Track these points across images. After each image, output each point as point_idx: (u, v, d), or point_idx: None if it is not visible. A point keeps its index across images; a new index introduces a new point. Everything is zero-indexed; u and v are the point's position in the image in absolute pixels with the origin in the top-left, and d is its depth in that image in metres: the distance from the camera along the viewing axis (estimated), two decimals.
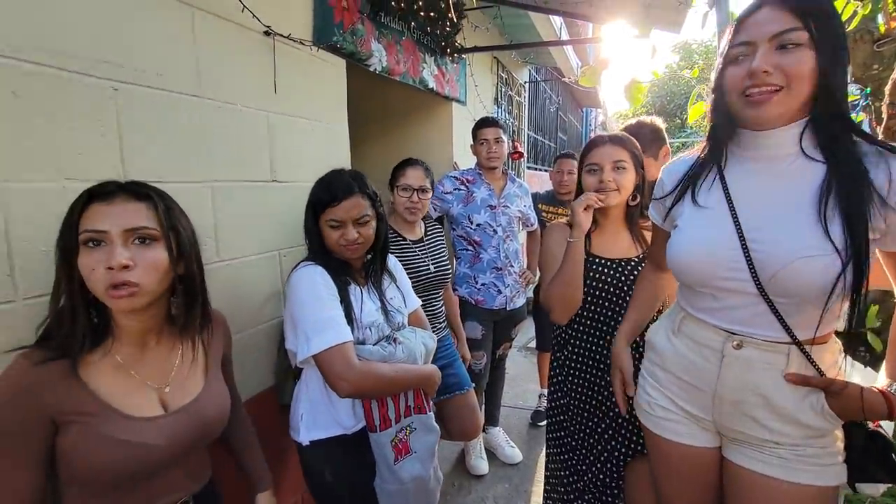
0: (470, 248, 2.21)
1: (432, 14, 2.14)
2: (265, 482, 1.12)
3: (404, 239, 1.79)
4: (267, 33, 1.35)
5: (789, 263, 0.79)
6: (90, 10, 0.93)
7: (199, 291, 0.88)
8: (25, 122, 0.84)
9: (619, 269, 1.34)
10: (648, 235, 1.29)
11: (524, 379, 3.34)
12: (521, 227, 2.47)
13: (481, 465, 2.32)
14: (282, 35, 1.38)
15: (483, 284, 2.21)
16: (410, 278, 1.72)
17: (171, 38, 1.10)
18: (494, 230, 2.19)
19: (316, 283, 1.14)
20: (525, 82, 4.57)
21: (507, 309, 2.26)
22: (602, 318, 1.36)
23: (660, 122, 1.67)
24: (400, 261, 1.72)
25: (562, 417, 1.45)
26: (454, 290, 2.18)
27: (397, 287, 1.36)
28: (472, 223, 2.18)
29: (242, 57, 1.29)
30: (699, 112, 1.69)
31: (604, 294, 1.34)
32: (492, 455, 2.42)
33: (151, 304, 0.80)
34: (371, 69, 1.88)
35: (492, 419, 2.51)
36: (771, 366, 0.85)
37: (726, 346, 0.89)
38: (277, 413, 1.44)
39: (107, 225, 0.74)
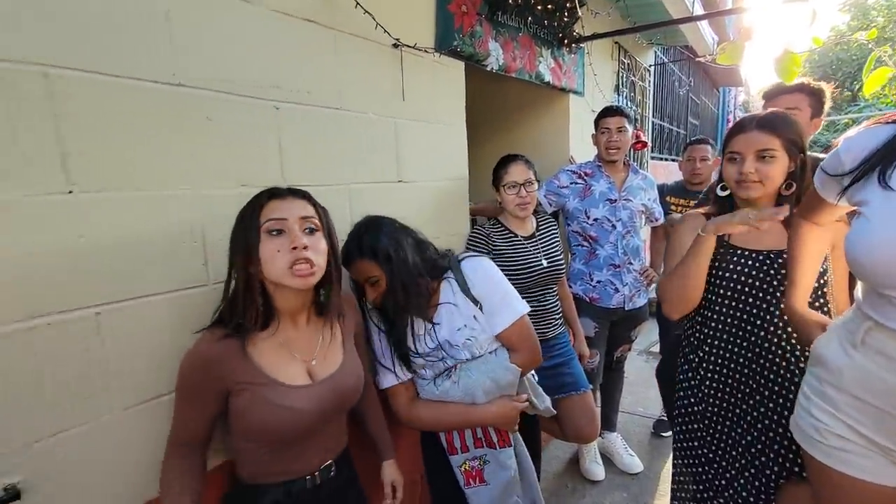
0: (585, 243, 2.13)
1: (550, 6, 2.10)
2: (389, 451, 1.27)
3: (516, 235, 1.79)
4: (395, 45, 1.46)
5: None
6: (258, 42, 1.12)
7: (341, 277, 1.02)
8: (215, 140, 1.04)
9: (767, 263, 1.18)
10: None
11: (645, 385, 3.12)
12: (644, 222, 2.31)
13: (597, 470, 2.23)
14: (408, 46, 1.49)
15: (599, 282, 2.11)
16: (523, 275, 1.71)
17: (318, 59, 1.25)
18: (613, 225, 2.08)
19: (371, 326, 1.25)
20: (650, 65, 4.22)
21: (626, 308, 2.13)
22: (745, 317, 1.21)
23: (826, 89, 1.57)
24: (512, 258, 1.73)
25: (695, 426, 1.32)
26: (569, 286, 2.12)
27: (473, 317, 1.23)
28: (588, 218, 2.10)
29: (374, 69, 1.42)
30: (879, 81, 1.38)
31: (747, 289, 1.20)
32: (608, 461, 2.32)
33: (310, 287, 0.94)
34: (488, 69, 1.92)
35: (608, 424, 2.40)
36: None
37: None
38: None
39: (286, 214, 0.90)
